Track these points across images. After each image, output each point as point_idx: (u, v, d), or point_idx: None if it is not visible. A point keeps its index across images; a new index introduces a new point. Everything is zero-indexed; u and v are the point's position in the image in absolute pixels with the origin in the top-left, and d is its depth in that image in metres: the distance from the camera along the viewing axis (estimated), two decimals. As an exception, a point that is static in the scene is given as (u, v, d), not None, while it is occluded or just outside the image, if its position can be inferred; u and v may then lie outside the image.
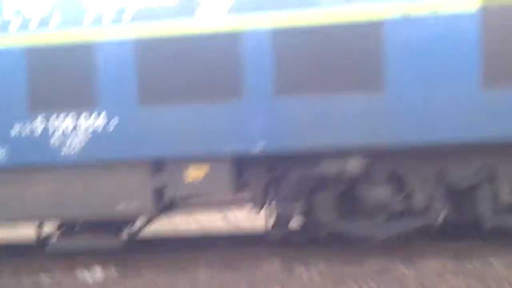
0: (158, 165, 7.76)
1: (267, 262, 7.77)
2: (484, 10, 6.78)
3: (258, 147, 7.41)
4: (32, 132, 7.66)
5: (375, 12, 7.02)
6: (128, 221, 8.48)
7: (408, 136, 7.06)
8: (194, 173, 7.79)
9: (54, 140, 7.68)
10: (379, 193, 7.53)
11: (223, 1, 7.34)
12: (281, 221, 8.02)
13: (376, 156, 7.44)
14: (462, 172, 7.42)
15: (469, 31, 6.82)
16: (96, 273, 7.91)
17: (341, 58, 7.10)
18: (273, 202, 7.92)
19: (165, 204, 8.01)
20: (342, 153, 7.40)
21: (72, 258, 8.31)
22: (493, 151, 7.24)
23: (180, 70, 7.40)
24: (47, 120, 7.65)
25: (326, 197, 7.79)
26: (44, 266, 8.20)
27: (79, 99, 7.68)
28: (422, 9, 6.93)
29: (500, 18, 6.76)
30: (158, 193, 7.80)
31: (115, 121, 7.63)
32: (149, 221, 8.63)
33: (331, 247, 8.02)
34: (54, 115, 7.63)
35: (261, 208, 8.00)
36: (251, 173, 7.92)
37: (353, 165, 7.38)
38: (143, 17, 7.45)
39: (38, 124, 7.66)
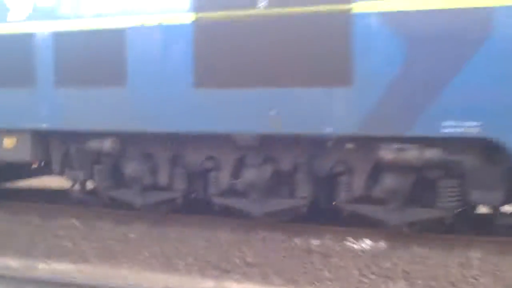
0: None
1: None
2: (196, 23, 8.27)
3: (44, 125, 9.30)
4: None
5: (121, 21, 8.68)
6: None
7: (145, 124, 8.68)
8: (8, 142, 9.80)
9: None
10: (132, 167, 9.15)
11: (21, 12, 9.31)
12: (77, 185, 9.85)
13: (131, 137, 9.06)
14: (194, 158, 8.88)
15: (184, 40, 8.33)
16: (365, 244, 8.11)
17: (96, 58, 8.86)
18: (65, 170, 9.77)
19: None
20: (106, 134, 9.11)
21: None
22: (217, 141, 8.63)
23: None
24: None
25: (101, 169, 9.49)
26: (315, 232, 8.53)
27: None
28: (152, 21, 8.51)
29: (208, 30, 8.23)
30: None
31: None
32: None
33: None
34: None
35: (61, 174, 9.86)
36: (52, 146, 9.79)
37: (108, 145, 9.06)
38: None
39: None
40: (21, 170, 11.03)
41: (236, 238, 8.49)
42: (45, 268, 8.11)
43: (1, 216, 9.89)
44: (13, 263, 8.27)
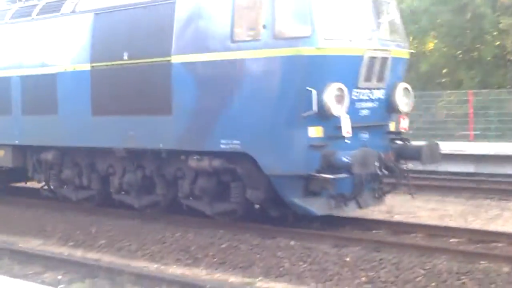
0: None
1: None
2: (92, 69, 11.84)
3: (16, 141, 13.31)
4: None
5: (54, 68, 12.48)
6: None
7: (69, 141, 12.35)
8: (1, 154, 13.91)
9: None
10: (66, 172, 12.83)
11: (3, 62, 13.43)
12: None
13: (66, 150, 12.76)
14: (101, 165, 12.39)
15: (86, 81, 11.93)
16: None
17: (41, 94, 12.69)
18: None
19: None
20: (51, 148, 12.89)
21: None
22: (113, 154, 12.06)
23: None
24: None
25: (51, 173, 13.25)
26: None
27: None
28: (70, 67, 12.20)
29: (97, 75, 11.78)
30: None
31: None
32: None
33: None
34: None
35: (33, 177, 13.79)
36: (27, 156, 13.72)
37: (51, 156, 12.82)
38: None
39: None
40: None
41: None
42: (263, 286, 8.34)
43: (221, 234, 10.56)
44: (232, 279, 8.66)
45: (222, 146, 10.22)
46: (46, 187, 13.74)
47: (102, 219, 12.12)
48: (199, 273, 9.04)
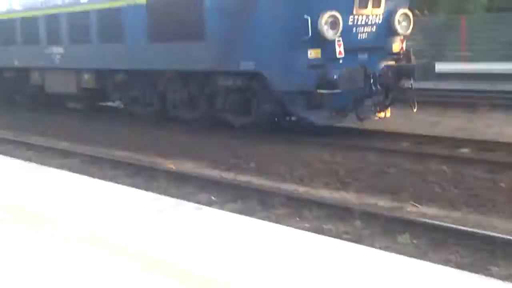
0: (79, 72, 16.74)
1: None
2: (147, 3, 14.05)
3: (94, 65, 15.89)
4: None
5: (120, 3, 14.80)
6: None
7: (134, 65, 14.72)
8: (86, 77, 16.56)
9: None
10: (133, 92, 15.26)
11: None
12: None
13: (132, 73, 15.15)
14: (160, 85, 14.67)
15: (143, 13, 14.16)
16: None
17: (110, 25, 15.06)
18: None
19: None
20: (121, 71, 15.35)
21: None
22: (168, 76, 14.32)
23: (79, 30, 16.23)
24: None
25: (123, 92, 15.74)
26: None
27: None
28: (132, 2, 14.47)
29: (152, 7, 13.97)
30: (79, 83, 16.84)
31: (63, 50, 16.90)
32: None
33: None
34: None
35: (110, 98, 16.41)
36: (106, 79, 16.25)
37: (120, 78, 15.28)
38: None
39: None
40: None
41: None
42: (413, 210, 8.06)
43: (370, 158, 10.54)
44: (381, 203, 8.41)
45: (241, 67, 12.15)
46: (122, 105, 16.34)
47: (251, 144, 12.13)
48: (348, 196, 8.86)
